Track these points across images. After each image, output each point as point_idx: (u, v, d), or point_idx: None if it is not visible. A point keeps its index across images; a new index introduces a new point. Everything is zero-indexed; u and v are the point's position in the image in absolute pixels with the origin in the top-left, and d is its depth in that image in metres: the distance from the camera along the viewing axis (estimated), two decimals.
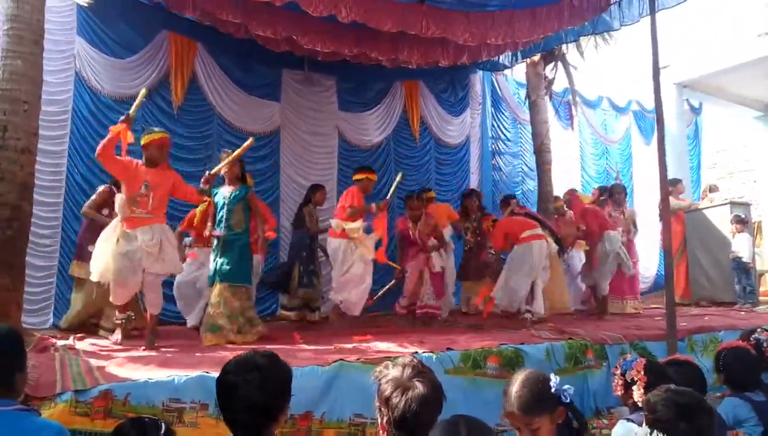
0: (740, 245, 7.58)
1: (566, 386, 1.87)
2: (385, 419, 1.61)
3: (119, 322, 4.41)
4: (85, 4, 5.69)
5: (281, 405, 1.75)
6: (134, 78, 6.37)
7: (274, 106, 7.38)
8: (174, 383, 2.88)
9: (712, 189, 8.70)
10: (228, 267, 4.72)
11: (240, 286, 4.79)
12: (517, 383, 1.92)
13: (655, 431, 1.81)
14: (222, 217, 4.86)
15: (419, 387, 1.60)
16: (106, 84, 6.17)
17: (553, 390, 1.85)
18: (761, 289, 8.79)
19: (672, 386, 1.93)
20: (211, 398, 2.84)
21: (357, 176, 5.85)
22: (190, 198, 4.57)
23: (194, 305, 5.44)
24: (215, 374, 2.85)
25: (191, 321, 5.47)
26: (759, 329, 3.47)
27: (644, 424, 1.88)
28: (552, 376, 1.90)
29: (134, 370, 3.17)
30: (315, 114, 7.67)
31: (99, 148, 4.08)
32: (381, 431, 1.64)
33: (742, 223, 7.63)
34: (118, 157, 4.17)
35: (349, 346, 4.16)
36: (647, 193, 10.57)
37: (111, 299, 4.27)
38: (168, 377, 2.93)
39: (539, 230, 5.97)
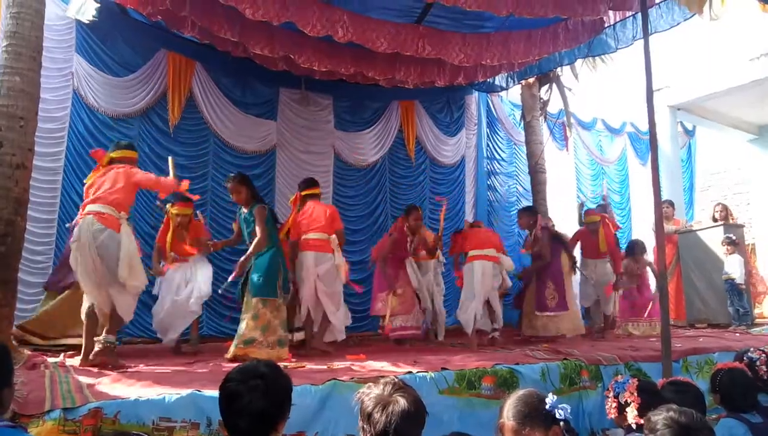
0: (732, 267, 7.60)
1: (563, 405, 1.87)
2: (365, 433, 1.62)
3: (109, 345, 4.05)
4: (86, 21, 5.72)
5: (283, 413, 1.79)
6: (132, 96, 6.41)
7: (271, 125, 7.42)
8: (165, 401, 2.84)
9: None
10: (258, 281, 4.65)
11: (269, 299, 4.67)
12: (513, 397, 1.94)
13: None
14: (244, 238, 5.03)
15: (400, 402, 1.62)
16: (104, 102, 6.20)
17: (548, 406, 1.85)
18: (757, 311, 8.78)
19: (674, 406, 1.93)
20: (203, 417, 2.81)
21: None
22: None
23: (178, 324, 5.29)
24: (207, 393, 2.87)
25: (170, 338, 5.30)
26: (752, 349, 3.48)
27: None
28: (549, 395, 1.90)
29: (125, 388, 3.13)
30: (311, 133, 7.71)
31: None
32: None
33: (734, 244, 7.65)
34: None
35: (343, 365, 4.14)
36: (645, 212, 10.67)
37: (123, 314, 4.11)
38: (159, 395, 2.89)
39: (490, 251, 5.96)
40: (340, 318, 5.26)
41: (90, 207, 3.95)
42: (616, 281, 6.90)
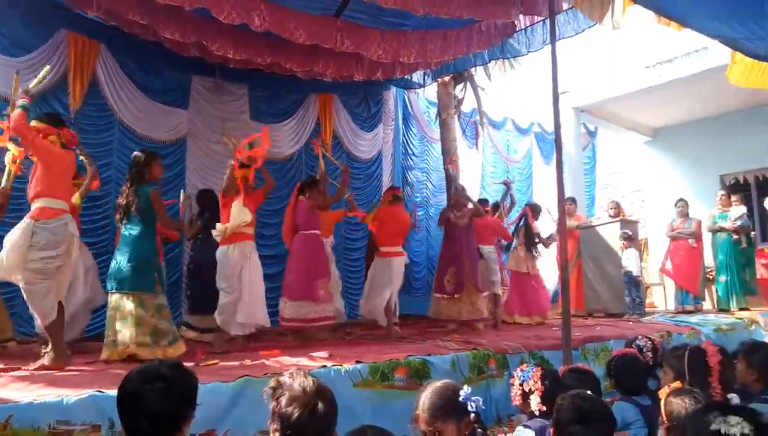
0: (629, 260, 8.19)
1: (475, 397, 1.93)
2: (278, 432, 1.60)
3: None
4: None
5: (186, 415, 1.71)
6: (28, 78, 5.87)
7: (182, 114, 7.12)
8: (63, 403, 2.68)
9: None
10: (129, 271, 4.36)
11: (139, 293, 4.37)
12: (428, 389, 1.99)
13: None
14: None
15: (309, 397, 1.60)
16: None
17: (461, 399, 1.91)
18: (647, 300, 9.52)
19: (576, 391, 2.05)
20: (104, 419, 2.68)
21: None
22: None
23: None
24: (110, 393, 2.73)
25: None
26: (639, 336, 3.78)
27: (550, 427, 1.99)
28: (464, 387, 1.97)
29: (18, 390, 2.93)
30: (225, 123, 7.44)
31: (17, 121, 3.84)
32: None
33: (629, 239, 8.25)
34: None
35: (256, 362, 4.07)
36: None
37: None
38: (56, 397, 2.73)
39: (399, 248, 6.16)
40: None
41: None
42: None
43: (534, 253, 7.64)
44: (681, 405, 2.14)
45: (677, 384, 2.33)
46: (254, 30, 5.15)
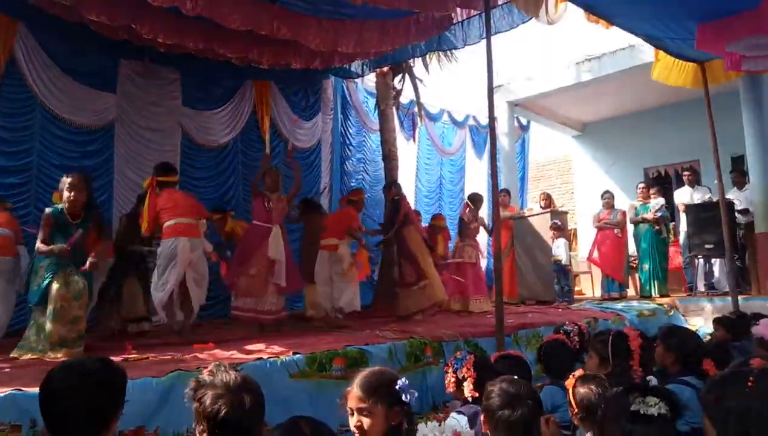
0: (559, 250, 8.50)
1: (411, 390, 1.93)
2: (205, 432, 1.54)
3: None
4: None
5: (113, 412, 1.63)
6: None
7: (109, 98, 6.80)
8: None
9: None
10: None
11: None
12: (367, 370, 2.00)
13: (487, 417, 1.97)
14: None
15: (234, 392, 1.55)
16: None
17: (397, 387, 1.92)
18: (576, 288, 9.92)
19: (506, 377, 2.11)
20: (25, 419, 2.55)
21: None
22: None
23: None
24: (31, 391, 2.59)
25: None
26: (567, 323, 3.95)
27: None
28: (402, 378, 1.96)
29: None
30: (155, 109, 7.18)
31: None
32: None
33: (559, 229, 8.56)
34: None
35: (189, 355, 3.97)
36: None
37: None
38: None
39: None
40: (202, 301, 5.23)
41: None
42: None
43: (467, 242, 7.79)
44: (588, 392, 2.24)
45: (580, 372, 2.43)
46: (186, 14, 4.97)
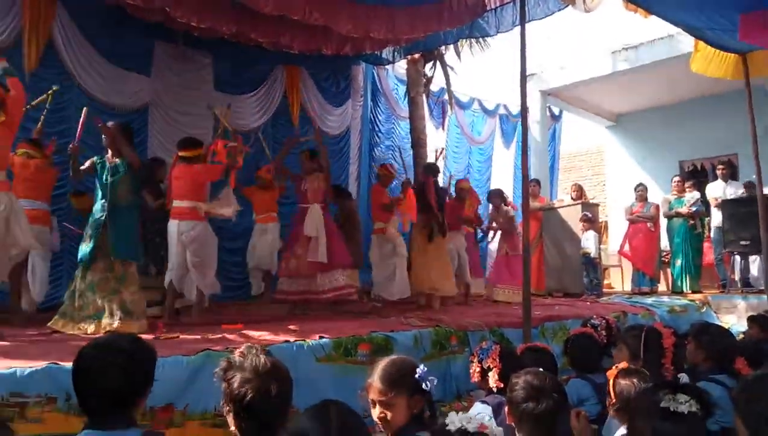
0: (588, 242, 8.38)
1: (431, 377, 1.93)
2: (231, 413, 1.57)
3: None
4: None
5: (143, 390, 1.67)
6: None
7: (144, 81, 6.90)
8: (16, 375, 2.61)
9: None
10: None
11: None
12: (387, 360, 1.99)
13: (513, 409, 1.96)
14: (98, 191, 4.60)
15: (262, 378, 1.57)
16: None
17: (417, 376, 1.92)
18: (605, 282, 9.79)
19: (531, 369, 2.10)
20: (61, 392, 2.62)
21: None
22: None
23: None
24: (66, 365, 2.67)
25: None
26: (595, 316, 3.90)
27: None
28: (421, 366, 1.97)
29: None
30: (189, 92, 7.25)
31: None
32: (233, 427, 1.60)
33: (589, 221, 8.44)
34: None
35: (218, 335, 4.04)
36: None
37: None
38: (9, 368, 2.65)
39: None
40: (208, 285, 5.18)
41: None
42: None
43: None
44: (629, 385, 2.21)
45: (624, 364, 2.40)
46: None
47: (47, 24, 6.04)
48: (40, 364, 2.75)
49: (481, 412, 2.42)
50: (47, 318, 4.40)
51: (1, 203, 3.84)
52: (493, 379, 2.63)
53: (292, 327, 4.42)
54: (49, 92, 4.08)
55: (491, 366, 2.67)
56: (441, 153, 7.77)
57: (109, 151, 4.65)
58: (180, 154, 5.24)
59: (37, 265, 5.12)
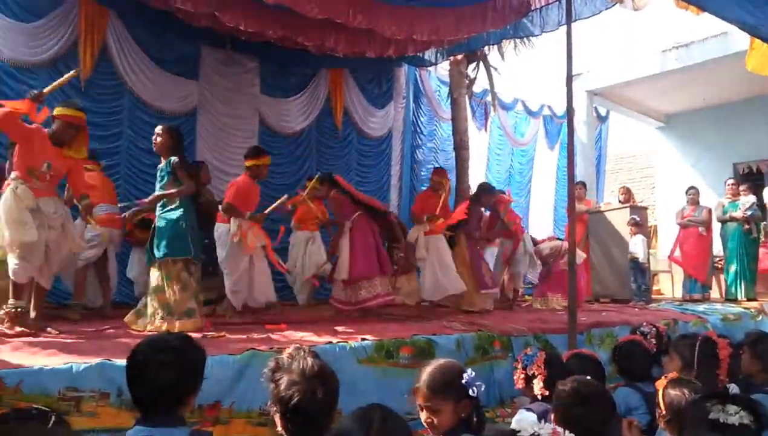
0: (636, 247, 8.14)
1: (478, 382, 1.91)
2: (278, 413, 1.59)
3: (11, 310, 3.83)
4: None
5: (193, 387, 1.72)
6: (38, 45, 5.92)
7: (192, 85, 7.09)
8: (72, 370, 2.72)
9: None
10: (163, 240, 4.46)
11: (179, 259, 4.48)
12: (434, 365, 1.98)
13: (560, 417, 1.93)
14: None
15: (309, 381, 1.58)
16: (6, 49, 5.71)
17: (464, 381, 1.91)
18: (654, 288, 9.50)
19: (578, 377, 2.05)
20: (113, 387, 2.71)
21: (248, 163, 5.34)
22: (75, 189, 4.34)
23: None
24: (118, 362, 2.76)
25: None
26: (644, 323, 3.78)
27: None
28: (468, 370, 1.95)
29: (29, 356, 2.97)
30: (235, 96, 7.42)
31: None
32: (279, 427, 1.62)
33: (638, 225, 8.19)
34: (23, 123, 3.91)
35: (262, 335, 4.11)
36: (545, 194, 11.27)
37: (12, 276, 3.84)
38: (65, 364, 2.76)
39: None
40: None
41: None
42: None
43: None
44: (680, 396, 2.14)
45: (674, 374, 2.31)
46: (266, 2, 5.09)
47: (101, 32, 6.28)
48: (94, 360, 2.85)
49: (525, 418, 2.39)
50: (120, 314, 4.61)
51: (51, 208, 3.95)
52: (538, 386, 2.59)
53: (334, 329, 4.45)
54: (66, 76, 4.17)
55: (536, 373, 2.62)
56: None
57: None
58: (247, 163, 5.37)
59: (111, 262, 5.38)
